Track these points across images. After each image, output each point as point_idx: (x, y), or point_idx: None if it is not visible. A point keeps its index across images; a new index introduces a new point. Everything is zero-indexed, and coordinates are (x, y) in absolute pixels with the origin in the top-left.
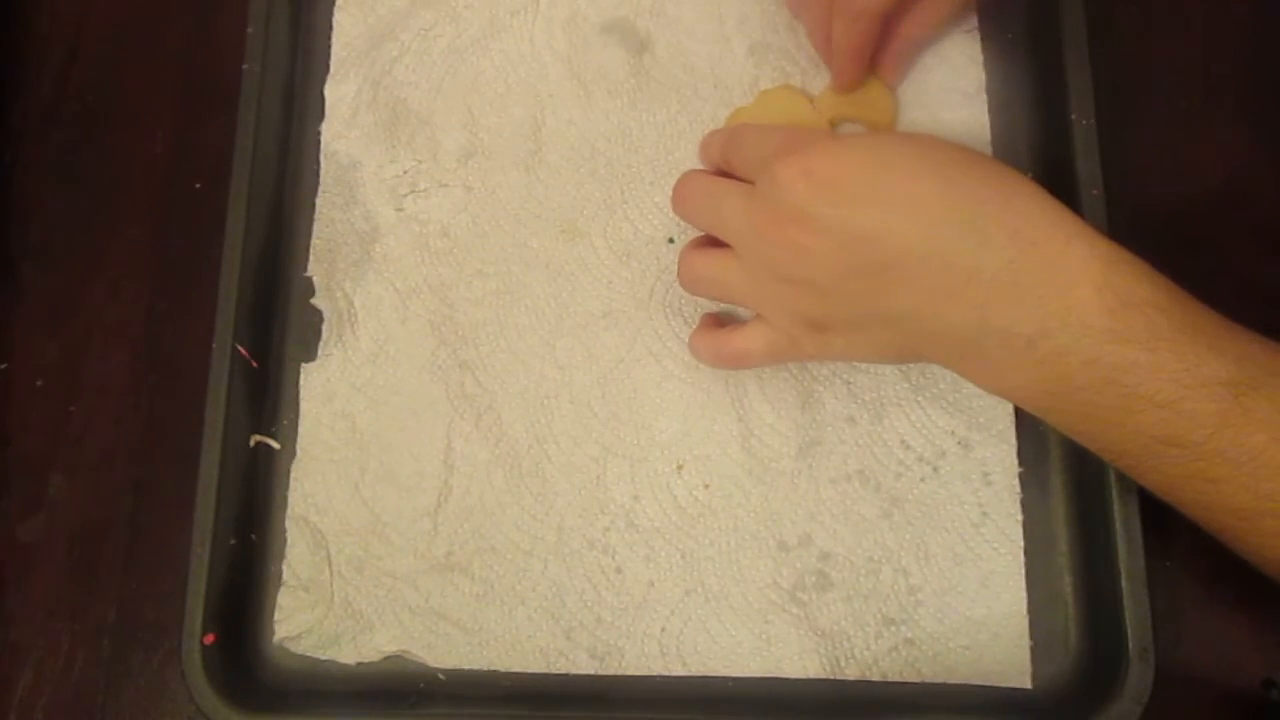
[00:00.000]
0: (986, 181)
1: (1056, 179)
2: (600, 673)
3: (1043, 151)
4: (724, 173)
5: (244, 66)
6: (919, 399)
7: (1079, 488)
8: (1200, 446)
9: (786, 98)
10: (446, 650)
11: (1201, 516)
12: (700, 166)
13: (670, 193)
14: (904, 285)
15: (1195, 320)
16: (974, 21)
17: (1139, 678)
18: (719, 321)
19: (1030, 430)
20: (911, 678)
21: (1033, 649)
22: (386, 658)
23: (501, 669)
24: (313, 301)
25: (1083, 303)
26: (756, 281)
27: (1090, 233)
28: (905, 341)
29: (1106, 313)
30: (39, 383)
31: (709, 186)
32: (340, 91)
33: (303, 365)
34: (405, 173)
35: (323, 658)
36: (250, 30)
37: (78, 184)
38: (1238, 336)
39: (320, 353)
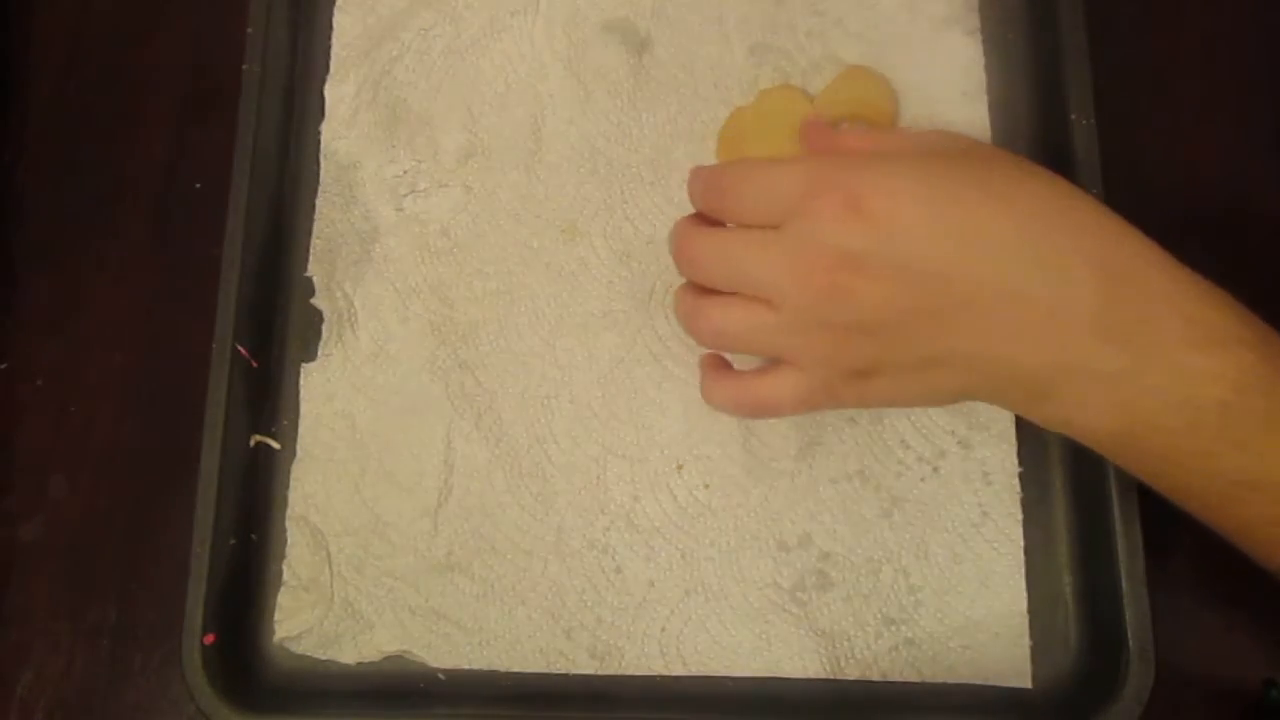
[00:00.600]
0: (1053, 202)
1: None
2: (600, 673)
3: (1043, 151)
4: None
5: (244, 66)
6: None
7: (1079, 488)
8: None
9: (786, 97)
10: (446, 650)
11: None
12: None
13: (670, 192)
14: (974, 325)
15: (1277, 353)
16: (974, 21)
17: (1139, 678)
18: (725, 361)
19: (1030, 430)
20: (911, 677)
21: (1032, 649)
22: (386, 658)
23: (501, 669)
24: (313, 301)
25: (1174, 340)
26: (794, 332)
27: (1166, 257)
28: (964, 384)
29: (1197, 350)
30: (39, 383)
31: (719, 244)
32: (340, 91)
33: (303, 365)
34: (405, 173)
35: (323, 657)
36: (250, 30)
37: (78, 184)
38: None
39: (320, 353)
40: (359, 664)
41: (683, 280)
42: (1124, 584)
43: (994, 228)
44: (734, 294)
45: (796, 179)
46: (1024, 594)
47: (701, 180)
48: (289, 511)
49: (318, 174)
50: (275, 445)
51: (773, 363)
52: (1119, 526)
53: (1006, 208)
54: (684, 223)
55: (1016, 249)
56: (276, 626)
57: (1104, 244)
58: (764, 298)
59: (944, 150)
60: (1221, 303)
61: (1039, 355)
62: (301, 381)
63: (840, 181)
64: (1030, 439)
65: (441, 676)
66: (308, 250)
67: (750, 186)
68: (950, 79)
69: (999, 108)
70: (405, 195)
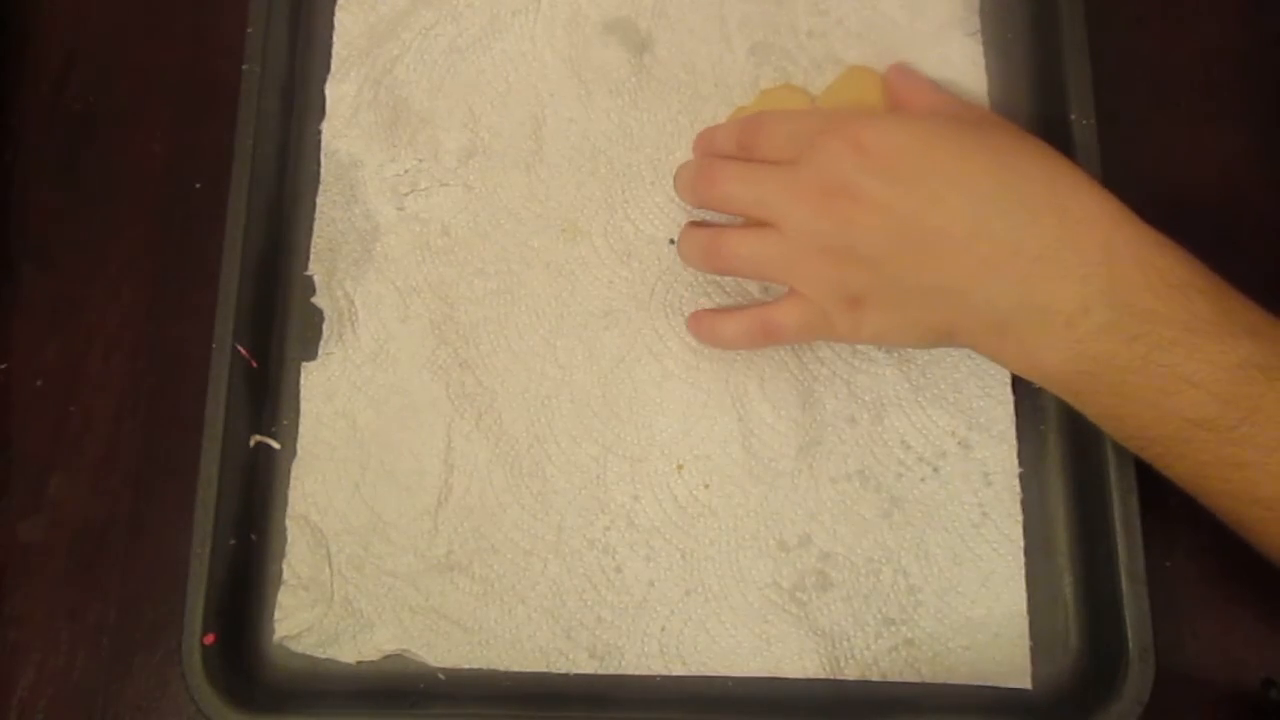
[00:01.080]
0: (1035, 161)
1: None
2: (600, 672)
3: None
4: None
5: (244, 66)
6: (919, 399)
7: (1079, 488)
8: (1232, 431)
9: (787, 97)
10: (446, 649)
11: (1227, 508)
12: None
13: (671, 192)
14: (950, 259)
15: (1233, 305)
16: (975, 23)
17: (1139, 678)
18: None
19: (1030, 430)
20: (911, 678)
21: (1033, 649)
22: (386, 657)
23: (501, 668)
24: (313, 300)
25: (1126, 281)
26: (797, 254)
27: (1134, 218)
28: (942, 320)
29: (1149, 292)
30: (39, 383)
31: (740, 169)
32: (341, 90)
33: (303, 364)
34: (406, 172)
35: (323, 656)
36: (250, 30)
37: (78, 184)
38: (1275, 324)
39: (321, 352)
40: (359, 663)
41: (682, 277)
42: (1124, 584)
43: (976, 175)
44: (745, 226)
45: (818, 121)
46: (1024, 594)
47: (742, 121)
48: (289, 511)
49: (318, 173)
50: (275, 445)
51: (784, 296)
52: (1119, 527)
53: (991, 160)
54: (710, 157)
55: (991, 194)
56: (276, 626)
57: (1074, 196)
58: (774, 223)
59: (957, 115)
60: (1179, 254)
61: (1004, 290)
62: (302, 381)
63: (851, 125)
64: (1030, 439)
65: (441, 676)
66: (308, 249)
67: (784, 125)
68: (950, 79)
69: (999, 108)
70: (406, 194)
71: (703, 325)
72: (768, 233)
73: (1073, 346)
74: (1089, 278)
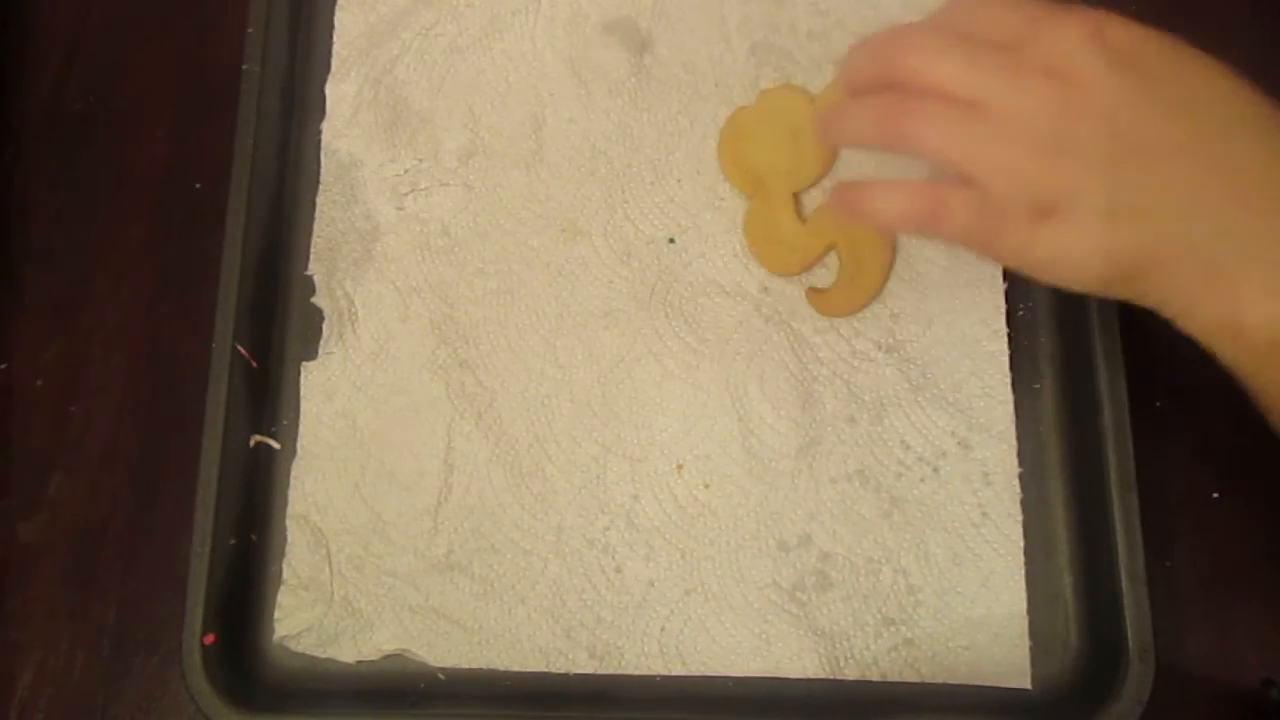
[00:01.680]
0: (1271, 101)
1: None
2: (600, 672)
3: None
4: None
5: (244, 66)
6: (919, 399)
7: (1079, 488)
8: None
9: (787, 97)
10: (446, 649)
11: None
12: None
13: (671, 192)
14: (1184, 178)
15: None
16: None
17: (1139, 678)
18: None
19: (1030, 430)
20: (911, 678)
21: (1032, 649)
22: (386, 656)
23: (501, 668)
24: (313, 300)
25: None
26: (997, 139)
27: None
28: (1142, 251)
29: None
30: (39, 383)
31: (945, 37)
32: (341, 90)
33: (303, 364)
34: (406, 171)
35: (322, 656)
36: (250, 30)
37: (78, 184)
38: None
39: (321, 351)
40: (359, 663)
41: (682, 277)
42: (1124, 584)
43: (1225, 98)
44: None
45: (1047, 3)
46: (1024, 594)
47: (945, 11)
48: (289, 511)
49: (318, 173)
50: (275, 445)
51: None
52: (1119, 526)
53: (1237, 85)
54: (916, 26)
55: (1237, 120)
56: (276, 625)
57: None
58: (980, 101)
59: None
60: None
61: (1240, 228)
62: (302, 380)
63: (1092, 11)
64: (1030, 439)
65: (441, 676)
66: (308, 249)
67: (1004, 4)
68: None
69: None
70: (406, 194)
71: (862, 196)
72: (972, 113)
73: None
74: None
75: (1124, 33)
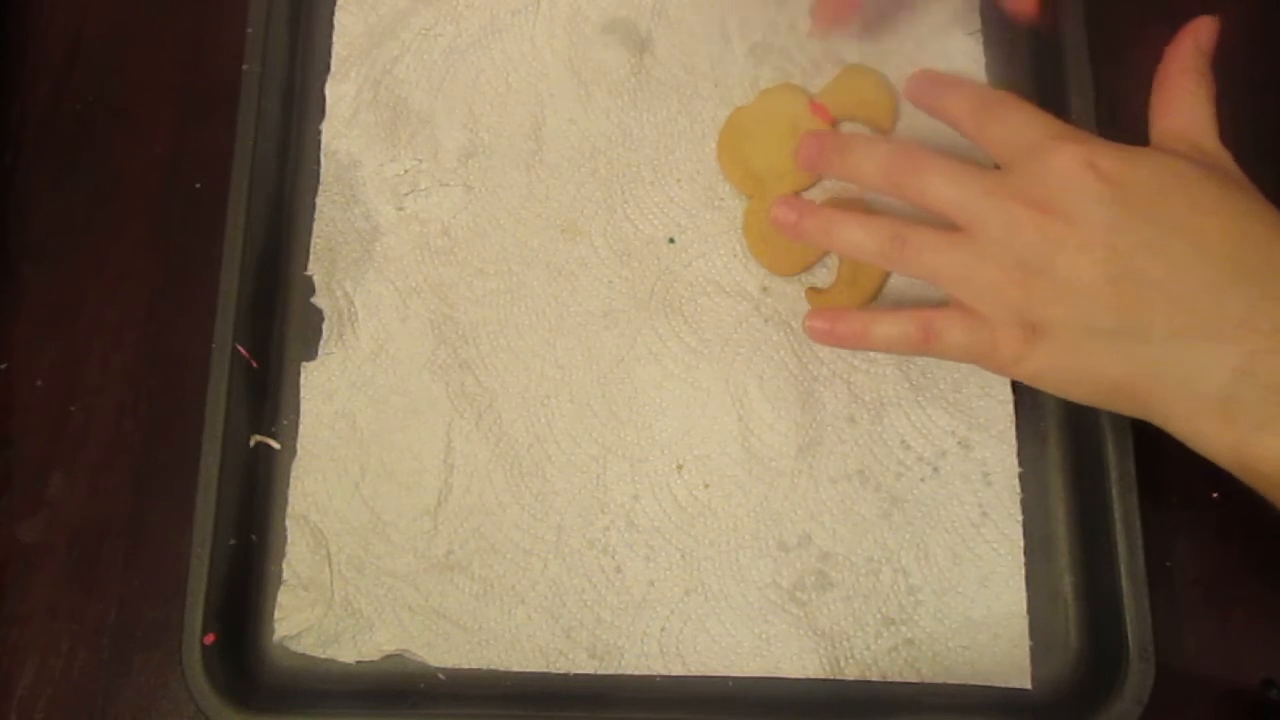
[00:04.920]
0: (1270, 232)
1: None
2: (600, 672)
3: None
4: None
5: (244, 66)
6: (919, 399)
7: (1079, 488)
8: None
9: (787, 97)
10: (446, 649)
11: None
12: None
13: (670, 192)
14: (1163, 313)
15: None
16: (976, 23)
17: (1139, 678)
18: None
19: (1030, 430)
20: (911, 678)
21: (1033, 649)
22: (386, 657)
23: (501, 668)
24: (313, 300)
25: None
26: (984, 265)
27: None
28: (1127, 379)
29: None
30: (39, 383)
31: (947, 163)
32: (341, 90)
33: (303, 364)
34: (406, 172)
35: (322, 656)
36: (250, 30)
37: (78, 184)
38: None
39: (320, 352)
40: (359, 663)
41: (682, 277)
42: (1124, 584)
43: (1212, 234)
44: (933, 226)
45: (1054, 124)
46: (1024, 594)
47: (971, 91)
48: (289, 511)
49: (318, 173)
50: (275, 445)
51: (950, 305)
52: (1119, 527)
53: (1228, 222)
54: (911, 145)
55: (1228, 253)
56: (276, 626)
57: None
58: (968, 227)
59: (1196, 160)
60: None
61: (1225, 357)
62: (302, 381)
63: (1086, 140)
64: (1030, 439)
65: (441, 676)
66: (308, 249)
67: (1019, 114)
68: None
69: None
70: (406, 194)
71: (852, 323)
72: (959, 238)
73: None
74: None
75: (1115, 161)
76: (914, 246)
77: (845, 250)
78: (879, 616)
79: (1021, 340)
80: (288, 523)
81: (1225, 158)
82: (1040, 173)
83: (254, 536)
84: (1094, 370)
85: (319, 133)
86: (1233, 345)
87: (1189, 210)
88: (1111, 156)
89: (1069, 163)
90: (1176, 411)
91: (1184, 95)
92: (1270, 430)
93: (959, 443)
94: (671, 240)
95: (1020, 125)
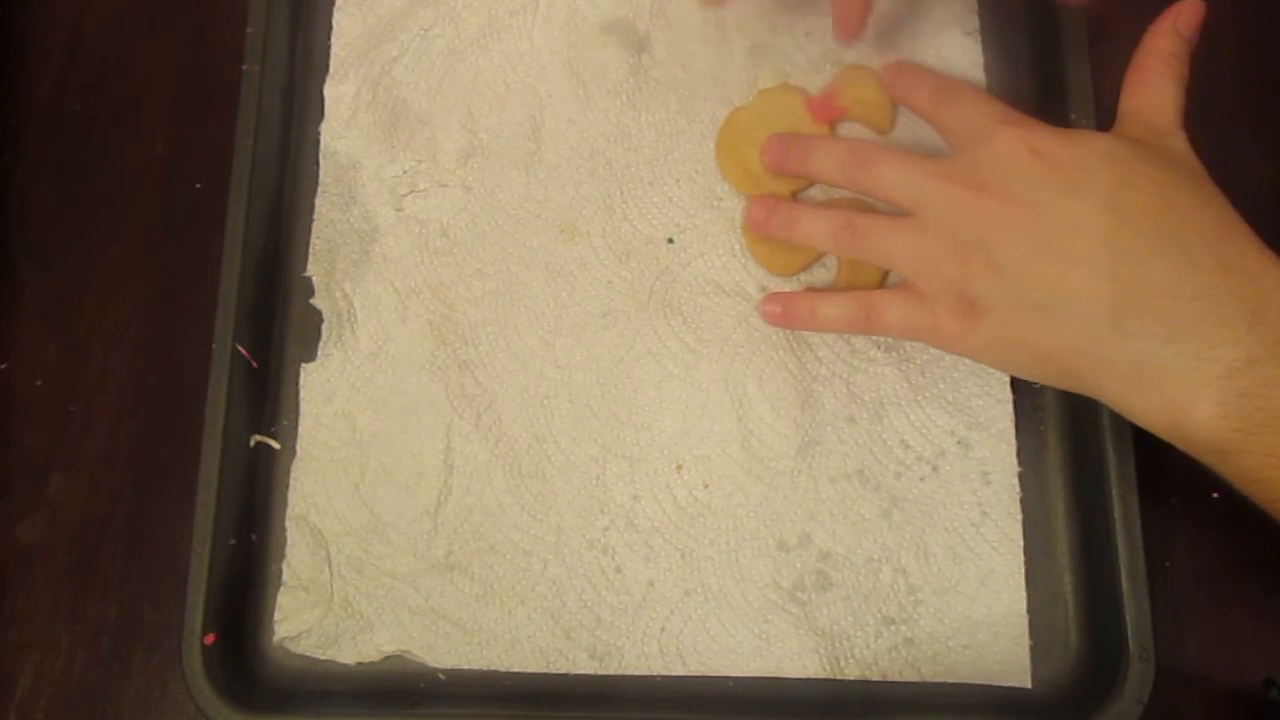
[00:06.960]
0: (1201, 207)
1: None
2: (600, 672)
3: None
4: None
5: (244, 66)
6: (919, 399)
7: (1079, 488)
8: None
9: (785, 97)
10: (446, 650)
11: None
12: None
13: (670, 192)
14: (1088, 285)
15: None
16: (974, 23)
17: (1139, 678)
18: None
19: (1030, 430)
20: (911, 677)
21: (1032, 649)
22: (386, 657)
23: (501, 669)
24: (312, 301)
25: None
26: (926, 246)
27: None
28: (1060, 349)
29: None
30: (39, 383)
31: (898, 156)
32: (340, 91)
33: (303, 365)
34: (405, 173)
35: (322, 657)
36: (250, 30)
37: (78, 184)
38: None
39: (320, 353)
40: (359, 664)
41: (681, 277)
42: (1124, 584)
43: (1136, 208)
44: (881, 214)
45: (1001, 109)
46: (1024, 594)
47: (932, 80)
48: (289, 511)
49: (317, 174)
50: (275, 445)
51: (895, 286)
52: (1119, 526)
53: (1154, 197)
54: (867, 142)
55: (1153, 227)
56: (276, 626)
57: (1241, 249)
58: (915, 211)
59: (1142, 140)
60: None
61: (1148, 331)
62: (301, 381)
63: (1029, 125)
64: (1030, 439)
65: (441, 676)
66: (307, 250)
67: (971, 101)
68: None
69: None
70: (405, 195)
71: (801, 305)
72: (905, 222)
73: (1231, 401)
74: (1254, 327)
75: (1051, 143)
76: (863, 231)
77: (807, 240)
78: (879, 616)
79: (961, 316)
80: (288, 523)
81: (1178, 139)
82: (982, 155)
83: (254, 537)
84: (1029, 343)
85: (318, 133)
86: (1153, 313)
87: (1116, 186)
88: (1048, 139)
89: (1008, 145)
90: (1107, 383)
91: (1153, 76)
92: (1201, 398)
93: (958, 442)
94: (670, 240)
95: (970, 110)
